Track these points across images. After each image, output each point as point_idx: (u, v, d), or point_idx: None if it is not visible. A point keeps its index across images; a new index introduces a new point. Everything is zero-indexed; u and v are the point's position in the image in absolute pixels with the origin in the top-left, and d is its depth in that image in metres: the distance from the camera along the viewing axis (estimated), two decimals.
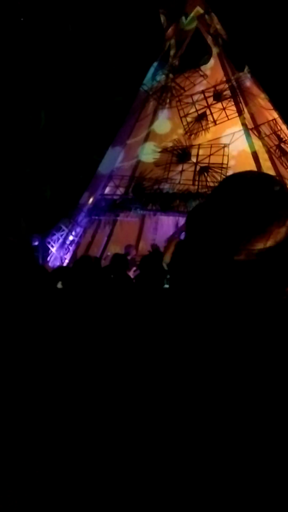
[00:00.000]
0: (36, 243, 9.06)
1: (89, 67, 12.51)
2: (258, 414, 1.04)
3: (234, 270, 1.14)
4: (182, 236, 8.10)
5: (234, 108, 9.24)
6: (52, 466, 1.08)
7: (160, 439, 0.99)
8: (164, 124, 9.58)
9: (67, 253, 9.10)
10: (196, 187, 8.66)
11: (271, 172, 8.81)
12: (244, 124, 9.20)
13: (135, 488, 0.98)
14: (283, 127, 9.57)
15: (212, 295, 1.11)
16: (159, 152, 9.14)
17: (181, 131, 9.33)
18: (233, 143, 9.00)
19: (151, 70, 10.29)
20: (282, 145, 9.22)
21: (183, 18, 10.27)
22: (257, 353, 1.12)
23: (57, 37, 12.49)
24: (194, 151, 9.03)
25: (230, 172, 8.68)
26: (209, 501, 0.96)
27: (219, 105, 9.25)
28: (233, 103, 9.28)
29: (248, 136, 9.05)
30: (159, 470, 0.98)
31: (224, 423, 0.99)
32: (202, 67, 9.77)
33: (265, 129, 9.23)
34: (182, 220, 9.10)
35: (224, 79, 9.59)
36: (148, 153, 9.29)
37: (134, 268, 8.74)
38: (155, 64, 10.30)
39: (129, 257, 8.99)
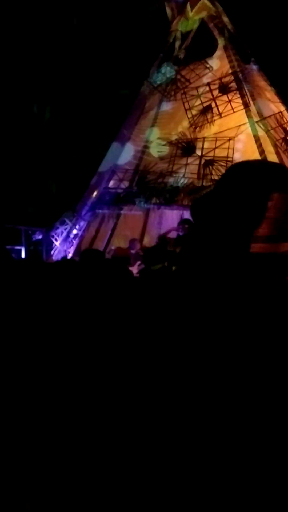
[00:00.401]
0: (40, 237, 9.06)
1: (94, 60, 12.44)
2: (259, 407, 1.01)
3: (250, 261, 1.11)
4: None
5: (240, 100, 9.13)
6: (52, 465, 1.06)
7: (160, 435, 0.97)
8: (169, 117, 9.50)
9: (70, 247, 9.09)
10: (201, 180, 8.59)
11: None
12: (250, 117, 9.09)
13: (135, 488, 0.96)
14: None
15: (226, 286, 1.08)
16: (164, 145, 9.06)
17: (186, 124, 9.25)
18: (238, 136, 8.91)
19: (156, 62, 10.19)
20: None
21: (189, 9, 10.16)
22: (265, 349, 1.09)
23: (62, 30, 12.43)
24: (199, 144, 8.95)
25: None
26: (209, 501, 0.93)
27: (224, 97, 9.15)
28: (239, 96, 9.17)
29: (254, 129, 8.95)
30: (159, 468, 0.96)
31: (224, 417, 0.96)
32: (208, 59, 9.66)
33: (271, 122, 9.11)
34: (186, 214, 9.04)
35: (230, 71, 9.48)
36: (153, 146, 9.22)
37: (139, 262, 8.72)
38: (160, 56, 10.20)
39: (133, 251, 8.97)
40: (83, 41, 12.47)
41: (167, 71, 9.81)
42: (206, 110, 9.17)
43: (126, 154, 9.58)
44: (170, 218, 9.05)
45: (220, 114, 9.07)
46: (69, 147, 13.48)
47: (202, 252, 1.19)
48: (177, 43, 10.14)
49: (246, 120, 9.04)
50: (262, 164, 1.21)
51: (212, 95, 9.19)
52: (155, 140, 9.30)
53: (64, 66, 12.87)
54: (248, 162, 1.22)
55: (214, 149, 8.78)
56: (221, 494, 0.99)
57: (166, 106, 9.61)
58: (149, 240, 9.57)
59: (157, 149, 9.14)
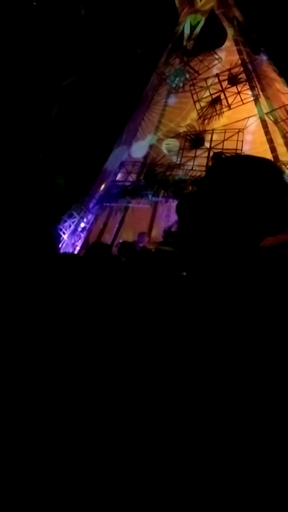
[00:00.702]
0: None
1: (103, 51, 12.35)
2: (260, 407, 0.99)
3: (261, 257, 1.08)
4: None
5: (249, 92, 9.02)
6: (52, 465, 1.05)
7: (160, 436, 0.96)
8: (177, 109, 9.41)
9: (78, 240, 9.07)
10: None
11: (286, 157, 8.63)
12: (258, 108, 8.98)
13: (135, 488, 0.95)
14: None
15: (233, 283, 1.05)
16: (172, 137, 8.99)
17: (194, 115, 9.16)
18: (247, 128, 8.81)
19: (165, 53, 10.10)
20: None
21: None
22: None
23: (70, 21, 12.35)
24: (207, 136, 8.87)
25: None
26: (209, 501, 0.92)
27: (234, 89, 9.04)
28: (248, 87, 9.06)
29: (263, 121, 8.84)
30: (159, 469, 0.94)
31: (224, 417, 0.95)
32: (217, 50, 9.54)
33: (281, 114, 9.00)
34: None
35: (240, 62, 9.35)
36: (161, 138, 9.15)
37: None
38: (169, 47, 10.10)
39: (141, 245, 8.93)
40: (91, 32, 12.38)
41: (176, 62, 9.71)
42: (215, 101, 9.07)
43: (133, 146, 9.52)
44: None
45: (229, 105, 8.97)
46: (77, 139, 13.44)
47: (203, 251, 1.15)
48: (186, 34, 10.03)
49: (256, 111, 8.93)
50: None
51: (221, 86, 9.09)
52: (164, 133, 9.23)
53: (72, 57, 12.80)
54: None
55: (223, 141, 8.68)
56: (221, 494, 0.97)
57: (175, 98, 9.52)
58: (156, 234, 9.52)
59: (165, 142, 9.06)
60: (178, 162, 8.69)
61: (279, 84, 9.60)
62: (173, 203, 8.91)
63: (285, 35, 10.58)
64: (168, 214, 9.24)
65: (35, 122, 13.36)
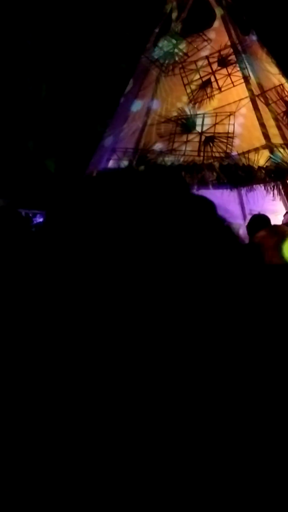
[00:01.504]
0: (41, 220, 9.00)
1: (90, 33, 12.12)
2: (260, 407, 1.02)
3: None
4: None
5: (239, 74, 8.93)
6: (52, 466, 1.07)
7: (160, 435, 0.98)
8: (168, 92, 9.30)
9: None
10: (202, 158, 8.48)
11: (278, 140, 8.59)
12: (250, 90, 8.90)
13: (135, 488, 0.97)
14: None
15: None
16: (163, 122, 8.91)
17: (185, 99, 9.07)
18: (239, 111, 8.75)
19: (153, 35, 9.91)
20: None
21: None
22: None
23: (57, 4, 12.07)
24: (199, 121, 8.80)
25: (236, 141, 8.49)
26: (209, 500, 0.95)
27: (224, 71, 8.94)
28: (238, 69, 8.96)
29: (254, 103, 8.77)
30: (159, 468, 0.96)
31: (224, 417, 0.97)
32: (206, 31, 9.39)
33: (272, 95, 8.93)
34: None
35: (229, 43, 9.22)
36: (152, 123, 9.06)
37: None
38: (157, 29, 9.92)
39: None
40: (78, 14, 12.13)
41: (165, 45, 9.55)
42: (206, 84, 8.97)
43: (123, 131, 9.43)
44: None
45: (219, 88, 8.88)
46: (67, 124, 13.28)
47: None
48: (174, 15, 9.85)
49: (247, 94, 8.85)
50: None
51: (211, 68, 8.99)
52: (154, 117, 9.13)
53: (59, 40, 12.55)
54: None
55: (215, 125, 8.63)
56: (221, 494, 1.00)
57: (165, 82, 9.39)
58: None
59: (155, 127, 8.98)
60: (169, 148, 8.64)
61: (269, 65, 9.50)
62: None
63: (274, 15, 10.44)
64: None
65: (23, 106, 13.17)
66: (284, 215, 8.32)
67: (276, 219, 8.81)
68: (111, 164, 9.02)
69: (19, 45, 12.45)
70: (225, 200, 8.80)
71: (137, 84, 9.84)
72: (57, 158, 13.24)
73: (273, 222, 8.72)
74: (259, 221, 4.66)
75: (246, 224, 5.59)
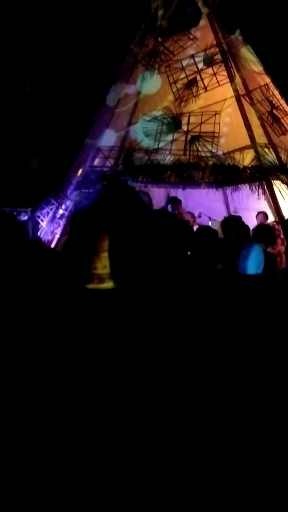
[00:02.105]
0: (26, 218, 8.92)
1: (75, 30, 12.01)
2: (259, 407, 1.03)
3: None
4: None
5: (225, 73, 8.95)
6: (52, 466, 1.06)
7: (160, 435, 0.98)
8: (153, 91, 9.27)
9: (57, 228, 8.98)
10: (188, 157, 8.50)
11: (263, 139, 8.65)
12: (235, 90, 8.94)
13: (135, 488, 0.97)
14: (275, 92, 9.33)
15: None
16: (149, 121, 8.89)
17: (171, 98, 9.06)
18: (224, 110, 8.78)
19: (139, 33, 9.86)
20: (274, 111, 9.01)
21: None
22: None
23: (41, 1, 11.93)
24: (184, 119, 8.81)
25: (221, 141, 8.52)
26: (209, 500, 0.95)
27: (209, 70, 8.96)
28: (224, 68, 8.98)
29: (239, 102, 8.81)
30: (159, 470, 0.96)
31: (224, 418, 0.97)
32: (192, 30, 9.38)
33: (257, 95, 8.98)
34: (173, 192, 8.98)
35: (215, 42, 9.24)
36: (137, 122, 9.03)
37: None
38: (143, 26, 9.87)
39: None
40: (62, 10, 12.00)
41: (150, 42, 9.51)
42: (191, 83, 8.98)
43: (109, 130, 9.39)
44: (157, 196, 8.97)
45: (205, 87, 8.90)
46: (51, 121, 13.15)
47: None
48: (160, 13, 9.81)
49: (232, 93, 8.88)
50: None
51: (197, 67, 9.00)
52: (140, 116, 9.11)
53: (44, 37, 12.41)
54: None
55: (200, 124, 8.65)
56: (221, 494, 1.01)
57: (150, 80, 9.36)
58: None
59: (142, 125, 8.96)
60: (156, 146, 8.63)
61: (254, 64, 9.54)
62: (152, 188, 8.88)
63: (259, 15, 10.48)
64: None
65: (6, 102, 12.99)
66: (257, 216, 8.40)
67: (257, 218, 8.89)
68: (96, 162, 8.98)
69: (2, 42, 12.27)
70: (211, 198, 8.85)
71: (123, 82, 9.79)
72: (41, 155, 13.11)
73: (254, 220, 8.81)
74: (232, 222, 4.70)
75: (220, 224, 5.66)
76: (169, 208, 8.00)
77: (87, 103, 11.79)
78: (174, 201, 8.22)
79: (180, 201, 8.36)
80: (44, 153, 13.25)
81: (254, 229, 5.06)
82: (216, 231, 4.45)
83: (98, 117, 10.03)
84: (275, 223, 8.11)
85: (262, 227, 5.54)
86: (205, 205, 9.14)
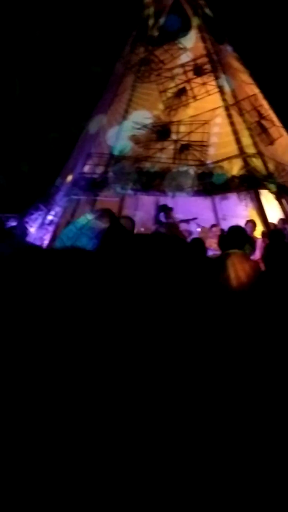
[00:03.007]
0: (14, 224, 8.90)
1: (66, 36, 12.04)
2: (259, 408, 1.07)
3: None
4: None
5: (214, 83, 9.06)
6: (52, 466, 1.08)
7: (160, 439, 1.00)
8: (143, 99, 9.34)
9: (46, 234, 8.98)
10: (177, 165, 8.57)
11: (251, 149, 8.76)
12: (224, 100, 9.04)
13: (135, 488, 0.99)
14: (264, 102, 9.46)
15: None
16: (139, 129, 8.94)
17: (161, 106, 9.14)
18: (214, 120, 8.87)
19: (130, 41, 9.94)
20: (263, 121, 9.13)
21: None
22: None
23: (33, 4, 11.93)
24: (174, 128, 8.89)
25: (210, 150, 8.61)
26: (209, 500, 0.98)
27: (199, 80, 9.06)
28: (213, 78, 9.09)
29: (228, 112, 8.92)
30: (159, 470, 0.99)
31: (224, 419, 1.01)
32: (182, 39, 9.48)
33: (245, 105, 9.10)
34: (162, 200, 9.04)
35: (205, 52, 9.35)
36: (128, 129, 9.09)
37: None
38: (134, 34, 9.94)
39: None
40: (55, 16, 12.03)
41: (140, 51, 9.59)
42: (181, 92, 9.07)
43: (99, 137, 9.42)
44: (147, 203, 9.03)
45: (194, 97, 8.99)
46: (41, 125, 13.15)
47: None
48: (151, 22, 9.90)
49: (221, 103, 8.99)
50: None
51: (187, 77, 9.09)
52: (130, 123, 9.16)
53: (34, 40, 12.41)
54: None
55: (190, 133, 8.73)
56: (221, 494, 1.05)
57: (140, 88, 9.43)
58: (125, 223, 9.54)
59: (132, 133, 9.01)
60: (145, 155, 8.69)
61: (243, 74, 9.67)
62: (141, 196, 8.94)
63: (248, 25, 10.63)
64: (136, 206, 9.27)
65: None
66: (246, 224, 8.51)
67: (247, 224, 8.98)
68: (86, 169, 9.01)
69: None
70: (199, 205, 8.94)
71: (113, 89, 9.85)
72: (31, 160, 13.10)
73: (252, 224, 8.86)
74: (234, 234, 4.75)
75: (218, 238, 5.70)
76: (162, 216, 8.07)
77: (78, 108, 11.82)
78: (166, 209, 8.29)
79: (171, 208, 8.43)
80: (33, 158, 13.24)
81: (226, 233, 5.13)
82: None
83: (77, 145, 10.00)
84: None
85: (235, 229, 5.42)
86: (193, 212, 9.23)
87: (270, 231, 7.32)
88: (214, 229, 8.68)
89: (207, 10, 9.76)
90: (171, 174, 8.44)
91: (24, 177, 12.81)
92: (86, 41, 11.90)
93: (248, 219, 8.35)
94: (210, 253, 8.21)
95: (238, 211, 8.73)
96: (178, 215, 8.97)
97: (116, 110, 9.51)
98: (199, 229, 9.39)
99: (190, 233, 9.20)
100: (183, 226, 9.12)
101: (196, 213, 9.31)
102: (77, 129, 10.88)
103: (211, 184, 8.38)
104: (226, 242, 4.89)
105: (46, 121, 13.01)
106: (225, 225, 9.01)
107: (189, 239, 8.61)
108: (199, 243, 4.60)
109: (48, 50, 12.26)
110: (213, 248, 7.57)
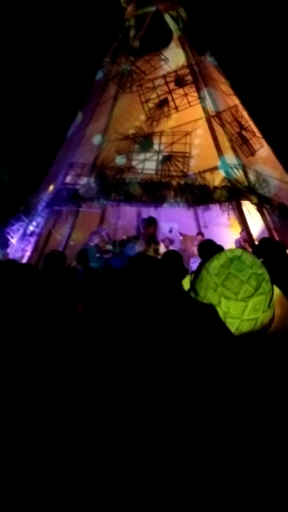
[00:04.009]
0: None
1: (47, 46, 11.98)
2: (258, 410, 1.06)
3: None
4: None
5: (195, 94, 9.10)
6: (52, 466, 1.06)
7: (160, 439, 0.99)
8: (126, 109, 9.35)
9: (28, 245, 8.89)
10: (159, 176, 8.59)
11: (232, 160, 8.83)
12: (206, 111, 9.10)
13: (135, 488, 0.98)
14: (244, 113, 9.55)
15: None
16: (121, 139, 8.94)
17: (143, 117, 9.15)
18: (195, 131, 8.92)
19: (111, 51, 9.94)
20: (243, 132, 9.22)
21: None
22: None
23: (14, 13, 11.84)
24: (156, 139, 8.90)
25: (192, 162, 8.66)
26: (209, 500, 0.97)
27: (180, 91, 9.10)
28: (194, 89, 9.14)
29: (210, 123, 8.98)
30: (159, 470, 0.98)
31: (224, 419, 1.00)
32: (163, 50, 9.52)
33: (226, 116, 9.17)
34: (144, 211, 9.05)
35: (186, 63, 9.40)
36: (110, 140, 9.07)
37: (98, 255, 8.68)
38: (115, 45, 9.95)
39: (92, 244, 8.91)
40: (35, 25, 11.95)
41: (122, 61, 9.60)
42: (163, 103, 9.09)
43: (81, 147, 9.39)
44: (129, 214, 9.03)
45: (176, 107, 9.03)
46: (21, 133, 13.03)
47: None
48: (132, 32, 9.93)
49: (203, 114, 9.04)
50: None
51: (168, 88, 9.12)
52: (112, 134, 9.15)
53: (15, 48, 12.31)
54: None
55: (172, 144, 8.76)
56: (221, 494, 1.04)
57: (122, 98, 9.43)
58: (108, 232, 9.54)
59: (113, 143, 9.00)
60: (128, 165, 8.68)
61: (224, 85, 9.75)
62: (124, 207, 8.93)
63: (228, 36, 10.74)
64: (118, 216, 9.26)
65: None
66: (197, 236, 8.67)
67: (229, 233, 9.09)
68: (68, 179, 8.96)
69: None
70: (181, 214, 8.98)
71: (95, 99, 9.83)
72: (11, 168, 12.96)
73: (226, 236, 8.99)
74: (211, 247, 4.81)
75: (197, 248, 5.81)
76: (152, 230, 8.15)
77: (58, 116, 11.76)
78: (153, 222, 8.39)
79: (157, 221, 8.55)
80: (14, 166, 13.11)
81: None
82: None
83: (69, 132, 10.00)
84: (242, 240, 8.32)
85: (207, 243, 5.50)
86: (176, 220, 9.27)
87: (260, 240, 7.37)
88: (199, 237, 8.75)
89: (187, 21, 9.82)
90: (153, 185, 8.46)
91: (4, 186, 12.68)
92: (68, 49, 11.86)
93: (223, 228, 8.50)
94: (192, 261, 8.29)
95: (219, 219, 8.81)
96: (160, 223, 9.02)
97: (98, 120, 9.49)
98: (181, 238, 9.43)
99: (171, 241, 9.25)
100: (165, 235, 9.17)
101: (178, 221, 9.36)
102: (58, 138, 10.83)
103: (193, 195, 8.42)
104: (205, 251, 4.96)
105: (26, 129, 12.90)
106: (207, 233, 9.13)
107: (171, 247, 8.68)
108: (174, 257, 4.61)
109: (27, 59, 12.17)
110: (196, 256, 7.65)
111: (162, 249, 8.17)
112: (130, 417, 1.07)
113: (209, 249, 4.79)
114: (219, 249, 4.93)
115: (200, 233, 9.05)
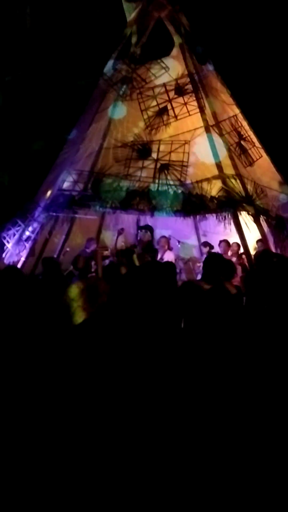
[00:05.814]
0: None
1: (49, 51, 12.02)
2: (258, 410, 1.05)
3: None
4: None
5: (195, 103, 9.10)
6: (52, 466, 1.06)
7: (160, 439, 1.00)
8: (125, 117, 9.34)
9: (23, 250, 8.87)
10: (157, 184, 8.57)
11: (230, 170, 8.81)
12: (205, 120, 9.09)
13: (135, 488, 0.98)
14: (244, 123, 9.53)
15: None
16: (119, 146, 8.94)
17: (142, 125, 9.15)
18: (194, 140, 8.91)
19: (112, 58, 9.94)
20: (242, 142, 9.20)
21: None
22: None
23: (16, 17, 11.89)
24: (154, 147, 8.90)
25: (189, 170, 8.65)
26: (209, 500, 0.96)
27: (180, 99, 9.09)
28: (194, 99, 9.13)
29: (208, 133, 8.96)
30: (159, 470, 0.98)
31: (224, 419, 1.00)
32: (164, 59, 9.53)
33: (226, 126, 9.16)
34: (142, 218, 9.03)
35: (186, 72, 9.40)
36: (108, 147, 9.07)
37: (93, 262, 8.66)
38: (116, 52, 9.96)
39: (88, 250, 8.90)
40: (38, 31, 12.00)
41: (123, 68, 9.60)
42: (162, 112, 9.09)
43: (79, 153, 9.39)
44: (126, 222, 9.01)
45: (176, 116, 9.02)
46: (23, 137, 13.06)
47: None
48: (133, 39, 9.93)
49: (202, 123, 9.03)
50: None
51: (168, 96, 9.12)
52: (110, 141, 9.15)
53: (17, 53, 12.35)
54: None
55: (170, 152, 8.75)
56: (221, 494, 1.04)
57: (122, 106, 9.43)
58: (105, 240, 9.54)
59: (112, 150, 9.00)
60: (125, 173, 8.67)
61: (224, 95, 9.74)
62: (121, 214, 8.91)
63: (230, 46, 10.74)
64: (115, 224, 9.23)
65: None
66: (219, 244, 8.55)
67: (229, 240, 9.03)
68: (65, 186, 8.95)
69: None
70: (180, 222, 8.94)
71: (95, 106, 9.84)
72: (11, 172, 12.98)
73: (225, 243, 8.90)
74: (215, 260, 4.76)
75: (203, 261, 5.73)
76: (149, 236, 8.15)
77: (60, 121, 11.78)
78: (151, 229, 8.41)
79: (153, 229, 8.56)
80: (14, 169, 13.13)
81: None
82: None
83: (69, 138, 10.01)
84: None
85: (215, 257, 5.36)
86: (174, 228, 9.23)
87: (258, 252, 7.33)
88: (206, 248, 8.66)
89: (189, 29, 9.83)
90: (150, 193, 8.45)
91: (4, 190, 12.69)
92: (70, 54, 11.89)
93: (221, 239, 8.43)
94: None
95: (218, 228, 8.78)
96: (158, 230, 9.00)
97: (97, 126, 9.49)
98: (179, 245, 9.39)
99: (170, 249, 9.21)
100: (164, 242, 9.12)
101: (177, 228, 9.32)
102: (59, 142, 10.84)
103: (190, 204, 8.40)
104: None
105: (28, 133, 12.93)
106: (207, 240, 9.10)
107: (172, 255, 8.64)
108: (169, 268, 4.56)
109: (30, 63, 12.21)
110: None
111: (166, 256, 8.20)
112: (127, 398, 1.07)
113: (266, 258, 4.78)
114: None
115: (206, 243, 8.93)
